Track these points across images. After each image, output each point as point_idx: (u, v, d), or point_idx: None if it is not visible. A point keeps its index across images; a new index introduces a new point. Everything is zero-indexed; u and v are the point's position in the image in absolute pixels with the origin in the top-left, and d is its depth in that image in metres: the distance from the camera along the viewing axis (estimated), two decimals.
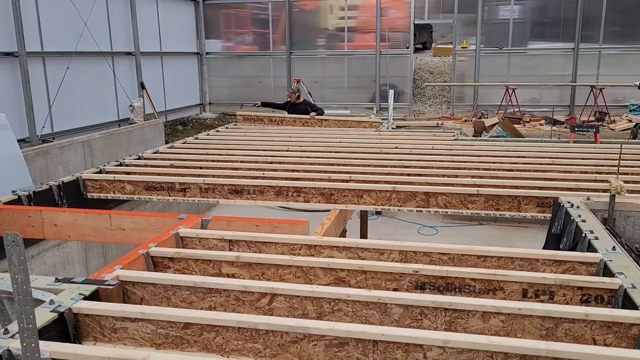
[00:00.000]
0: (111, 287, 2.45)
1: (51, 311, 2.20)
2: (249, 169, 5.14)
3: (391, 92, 8.92)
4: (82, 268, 4.97)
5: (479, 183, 4.35)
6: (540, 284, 2.51)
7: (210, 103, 16.69)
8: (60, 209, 3.78)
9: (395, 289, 2.68)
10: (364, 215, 6.47)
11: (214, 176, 4.89)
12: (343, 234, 4.53)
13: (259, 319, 2.16)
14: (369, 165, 5.19)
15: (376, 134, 7.28)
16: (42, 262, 4.51)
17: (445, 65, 18.07)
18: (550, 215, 3.78)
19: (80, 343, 2.28)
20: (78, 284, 2.47)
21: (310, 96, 13.41)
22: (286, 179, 4.68)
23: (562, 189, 4.11)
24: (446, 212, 4.24)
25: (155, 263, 2.94)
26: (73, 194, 4.79)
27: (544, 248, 3.60)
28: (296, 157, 5.66)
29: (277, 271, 2.81)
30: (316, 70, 16.23)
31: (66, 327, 2.23)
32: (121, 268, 2.67)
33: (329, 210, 4.20)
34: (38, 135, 7.48)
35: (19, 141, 7.44)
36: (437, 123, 8.69)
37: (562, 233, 3.45)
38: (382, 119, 9.58)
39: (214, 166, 5.30)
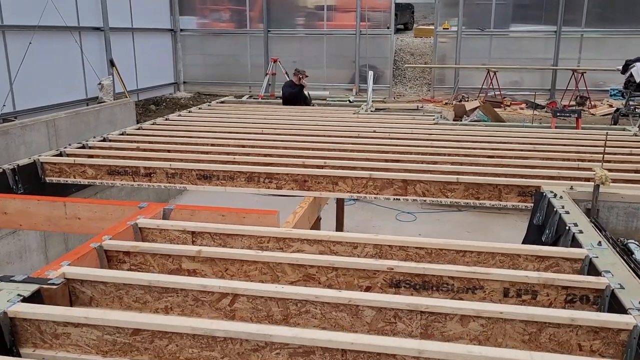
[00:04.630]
0: (55, 286, 2.21)
1: None
2: (220, 153, 4.89)
3: (371, 73, 8.68)
4: (40, 257, 4.70)
5: (459, 170, 4.18)
6: (522, 283, 2.34)
7: (185, 82, 16.23)
8: (10, 195, 3.50)
9: (368, 287, 2.50)
10: (340, 201, 6.28)
11: (181, 160, 4.63)
12: (317, 222, 4.34)
13: (215, 324, 1.95)
14: (345, 150, 4.97)
15: (354, 117, 7.06)
16: None
17: (427, 46, 17.85)
18: (532, 205, 3.63)
19: (17, 350, 2.05)
20: (18, 282, 2.23)
21: (287, 76, 13.10)
22: (258, 164, 4.45)
23: (544, 177, 3.96)
24: (424, 200, 4.06)
25: (110, 257, 2.70)
26: (30, 179, 4.49)
27: (525, 239, 3.44)
28: (270, 140, 5.42)
29: (241, 267, 2.60)
30: (295, 49, 15.85)
31: (0, 333, 1.99)
32: (69, 264, 2.43)
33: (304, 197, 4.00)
34: None
35: None
36: (417, 106, 8.50)
37: (544, 224, 3.29)
38: (361, 101, 9.37)
39: (182, 149, 5.04)
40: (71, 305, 2.33)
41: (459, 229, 7.25)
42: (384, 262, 2.48)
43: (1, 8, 8.03)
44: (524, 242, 3.35)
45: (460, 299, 2.37)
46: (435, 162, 4.50)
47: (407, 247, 2.74)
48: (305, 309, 2.18)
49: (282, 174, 4.21)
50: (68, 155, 4.90)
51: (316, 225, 4.33)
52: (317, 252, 2.82)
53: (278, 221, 3.17)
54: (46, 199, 3.43)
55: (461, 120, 6.36)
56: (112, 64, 11.39)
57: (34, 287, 2.19)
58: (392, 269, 2.44)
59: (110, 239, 2.74)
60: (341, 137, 5.56)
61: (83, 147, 5.19)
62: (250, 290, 2.21)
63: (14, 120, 7.48)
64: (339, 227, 6.02)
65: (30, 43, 8.05)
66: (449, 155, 4.77)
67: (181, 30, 16.18)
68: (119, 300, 2.36)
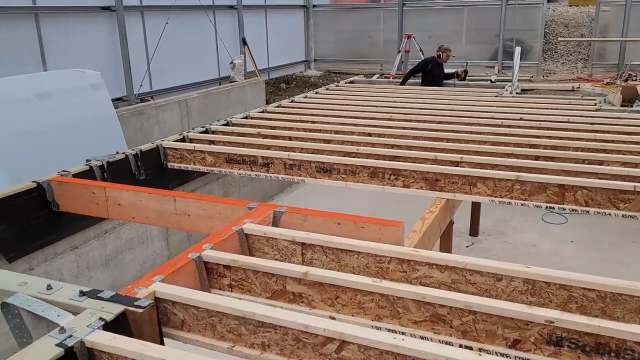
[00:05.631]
0: (141, 309, 1.92)
1: (57, 344, 1.72)
2: (343, 142, 4.47)
3: (518, 49, 7.67)
4: (162, 242, 4.69)
5: (635, 174, 3.33)
6: None
7: (315, 60, 16.03)
8: (124, 186, 3.38)
9: (516, 341, 1.91)
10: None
11: (301, 150, 4.28)
12: (449, 228, 3.76)
13: None
14: (485, 143, 4.28)
15: (497, 100, 6.23)
16: (117, 236, 4.23)
17: (584, 16, 15.79)
18: None
19: None
20: (104, 301, 1.98)
21: (422, 54, 12.29)
22: (384, 157, 3.96)
23: None
24: (587, 211, 3.28)
25: (209, 270, 2.40)
26: (153, 163, 4.44)
27: None
28: (398, 127, 4.88)
29: (354, 297, 2.15)
30: (430, 23, 14.87)
31: None
32: (161, 280, 2.15)
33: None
34: (135, 94, 7.35)
35: (116, 100, 7.36)
36: (573, 86, 7.36)
37: None
38: (505, 81, 8.40)
39: (303, 136, 4.70)
40: (160, 328, 2.05)
41: (624, 238, 6.08)
42: (540, 312, 1.87)
43: None
44: None
45: None
46: (601, 162, 3.67)
47: (571, 286, 2.09)
48: None
49: (410, 170, 3.67)
50: (191, 140, 4.79)
51: (448, 232, 3.76)
52: (449, 280, 2.28)
53: (403, 235, 2.66)
54: (157, 192, 3.25)
55: (632, 106, 5.28)
56: (244, 42, 11.46)
57: (119, 309, 1.92)
58: (553, 322, 1.83)
59: (211, 248, 2.43)
60: (481, 125, 4.85)
61: (206, 131, 5.06)
62: (362, 339, 1.74)
63: (149, 101, 7.72)
64: (474, 230, 5.33)
65: (166, 23, 8.24)
66: (620, 152, 3.88)
67: (314, 5, 15.95)
68: (212, 328, 2.03)
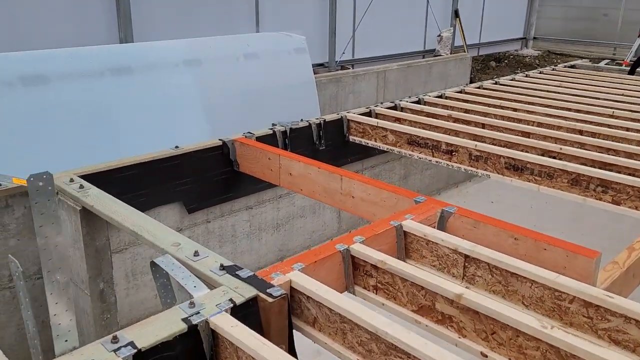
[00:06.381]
0: (271, 299, 1.81)
1: (183, 319, 1.69)
2: (544, 138, 3.86)
3: None
4: (333, 215, 4.63)
5: None
6: None
7: (534, 38, 14.52)
8: (296, 156, 3.33)
9: None
10: None
11: (492, 141, 3.81)
12: None
13: None
14: None
15: None
16: (290, 202, 4.27)
17: None
18: None
19: None
20: (240, 280, 1.91)
21: None
22: (592, 162, 3.30)
23: None
24: None
25: (356, 265, 2.20)
26: (334, 135, 4.36)
27: None
28: (620, 128, 4.06)
29: (515, 338, 1.76)
30: None
31: (198, 343, 1.70)
32: (301, 269, 2.01)
33: None
34: (336, 61, 7.38)
35: (316, 66, 7.49)
36: None
37: None
38: None
39: (498, 125, 4.18)
40: (291, 319, 1.92)
41: None
42: None
43: None
44: None
45: None
46: None
47: None
48: None
49: (624, 184, 2.99)
50: (377, 114, 4.61)
51: None
52: None
53: (596, 269, 2.13)
54: (325, 167, 3.13)
55: None
56: (456, 14, 10.79)
57: (251, 293, 1.83)
58: None
59: (362, 241, 2.22)
60: None
61: (394, 107, 4.82)
62: None
63: (348, 69, 7.72)
64: None
65: None
66: None
67: None
68: (343, 335, 1.83)
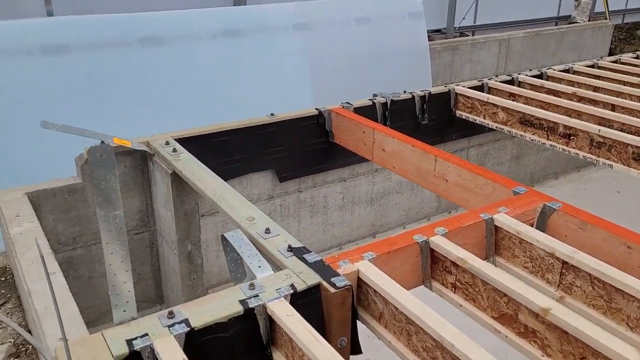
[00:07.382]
0: (334, 289, 1.70)
1: (241, 300, 1.64)
2: None
3: None
4: (432, 194, 4.39)
5: None
6: None
7: None
8: (391, 132, 3.14)
9: None
10: None
11: (621, 126, 3.34)
12: None
13: None
14: None
15: None
16: (387, 177, 4.10)
17: None
18: None
19: (270, 351, 1.69)
20: (306, 264, 1.83)
21: None
22: None
23: None
24: None
25: (435, 259, 2.02)
26: (440, 109, 4.10)
27: None
28: None
29: None
30: None
31: (254, 326, 1.65)
32: (373, 258, 1.88)
33: None
34: (455, 27, 6.89)
35: (433, 32, 7.06)
36: None
37: None
38: None
39: (631, 108, 3.66)
40: (355, 309, 1.81)
41: None
42: None
43: None
44: None
45: None
46: None
47: None
48: None
49: None
50: (490, 88, 4.25)
51: None
52: None
53: None
54: (420, 146, 2.92)
55: None
56: None
57: (314, 280, 1.74)
58: None
59: (444, 234, 2.04)
60: None
61: (511, 81, 4.42)
62: None
63: (467, 36, 7.20)
64: None
65: None
66: None
67: None
68: (407, 336, 1.69)
